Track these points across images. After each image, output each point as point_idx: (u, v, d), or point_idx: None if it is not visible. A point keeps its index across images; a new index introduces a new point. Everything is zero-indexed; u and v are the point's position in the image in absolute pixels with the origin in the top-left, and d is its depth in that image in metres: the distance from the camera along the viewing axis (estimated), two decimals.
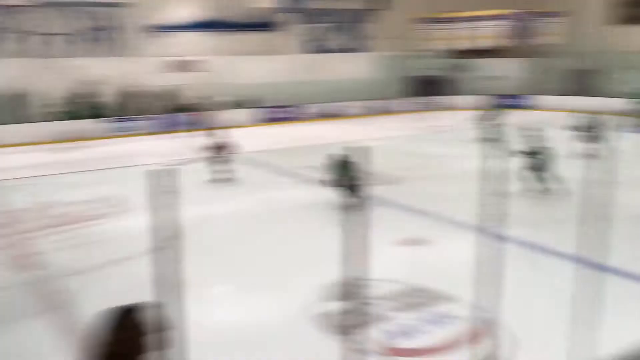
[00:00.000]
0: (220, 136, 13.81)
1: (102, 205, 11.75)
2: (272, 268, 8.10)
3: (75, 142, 20.17)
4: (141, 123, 22.93)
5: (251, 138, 21.14)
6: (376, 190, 11.33)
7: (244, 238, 9.54)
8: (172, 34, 25.34)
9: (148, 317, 2.81)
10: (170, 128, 22.51)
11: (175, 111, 23.60)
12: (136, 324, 2.79)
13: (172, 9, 25.34)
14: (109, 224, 10.54)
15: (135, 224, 10.23)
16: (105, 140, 21.21)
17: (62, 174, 15.19)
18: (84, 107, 22.47)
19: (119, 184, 13.57)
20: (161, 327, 2.80)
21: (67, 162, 16.83)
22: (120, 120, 22.75)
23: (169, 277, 3.07)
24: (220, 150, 13.49)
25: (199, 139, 13.72)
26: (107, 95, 23.21)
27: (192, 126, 20.63)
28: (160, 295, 2.77)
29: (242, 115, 25.02)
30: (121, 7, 24.08)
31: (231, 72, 25.34)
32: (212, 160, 13.47)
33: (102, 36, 24.14)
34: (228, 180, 13.32)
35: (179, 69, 24.96)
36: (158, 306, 2.82)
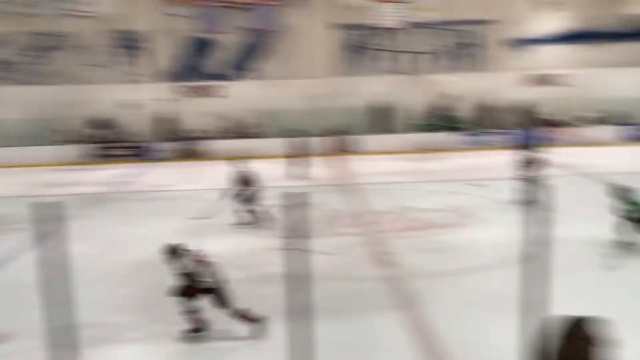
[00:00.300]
0: (534, 153, 12.82)
1: (454, 214, 12.13)
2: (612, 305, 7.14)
3: (431, 153, 21.34)
4: (497, 137, 22.95)
5: (614, 157, 19.15)
6: None
7: (579, 265, 8.63)
8: (534, 47, 24.71)
9: (594, 330, 2.85)
10: (526, 143, 21.93)
11: (532, 126, 22.91)
12: (587, 335, 2.85)
13: (536, 23, 24.67)
14: (460, 233, 10.79)
15: (485, 236, 10.30)
16: (460, 152, 21.90)
17: (418, 182, 16.23)
18: (441, 120, 23.68)
19: (471, 195, 13.82)
20: (603, 342, 2.82)
21: (423, 171, 17.90)
22: (475, 134, 23.25)
23: (532, 292, 2.95)
24: (530, 169, 12.45)
25: (552, 156, 12.89)
26: (464, 109, 23.98)
27: (548, 142, 19.70)
28: (524, 308, 2.70)
29: (606, 133, 22.89)
30: (486, 23, 24.55)
31: (596, 86, 23.38)
32: (521, 179, 12.47)
33: (464, 52, 25.03)
34: (530, 202, 12.00)
35: (539, 83, 24.19)
36: (600, 321, 2.86)
